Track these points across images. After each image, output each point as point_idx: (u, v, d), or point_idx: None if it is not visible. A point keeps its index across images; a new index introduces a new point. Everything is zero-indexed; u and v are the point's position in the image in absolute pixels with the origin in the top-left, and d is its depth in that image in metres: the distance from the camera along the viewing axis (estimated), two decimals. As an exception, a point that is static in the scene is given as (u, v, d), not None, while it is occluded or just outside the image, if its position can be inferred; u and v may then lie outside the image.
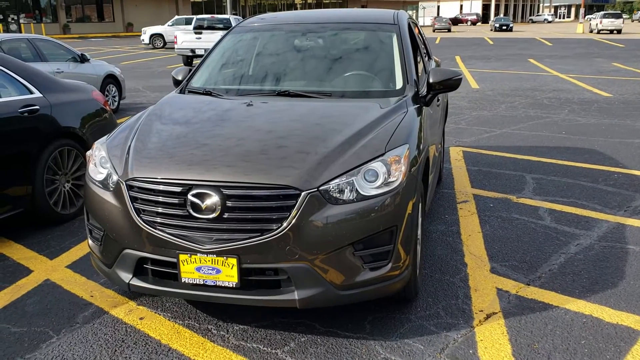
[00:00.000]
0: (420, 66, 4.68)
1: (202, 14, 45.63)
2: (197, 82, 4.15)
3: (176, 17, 33.53)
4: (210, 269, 2.81)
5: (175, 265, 2.88)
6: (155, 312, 3.35)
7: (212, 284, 2.84)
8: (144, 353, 2.95)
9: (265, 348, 2.99)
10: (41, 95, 4.72)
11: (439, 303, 3.45)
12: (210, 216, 2.76)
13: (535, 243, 4.35)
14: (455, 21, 78.81)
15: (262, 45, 4.38)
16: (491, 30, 56.91)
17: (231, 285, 2.82)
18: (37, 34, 11.35)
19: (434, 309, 3.38)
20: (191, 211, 2.78)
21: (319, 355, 2.92)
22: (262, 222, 2.76)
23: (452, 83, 3.97)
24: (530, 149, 7.44)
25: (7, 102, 4.40)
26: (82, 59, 9.91)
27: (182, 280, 2.87)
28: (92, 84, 9.92)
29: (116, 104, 10.67)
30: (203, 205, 2.76)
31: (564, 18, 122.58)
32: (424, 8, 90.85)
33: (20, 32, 38.89)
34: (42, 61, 9.05)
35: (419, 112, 3.66)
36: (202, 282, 2.85)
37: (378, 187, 2.88)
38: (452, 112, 10.35)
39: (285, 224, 2.73)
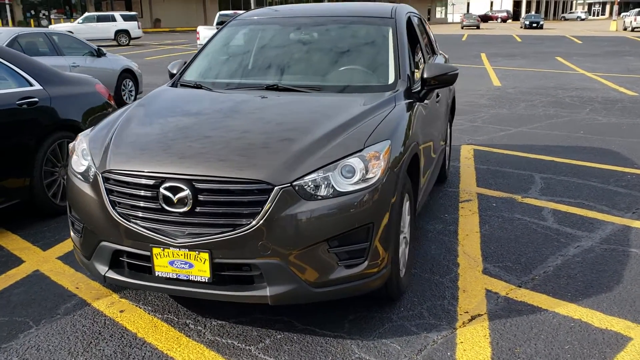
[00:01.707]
0: (420, 61, 4.59)
1: (229, 9, 45.87)
2: (189, 76, 4.13)
3: (86, 14, 33.19)
4: (183, 263, 2.79)
5: (149, 259, 2.86)
6: (136, 305, 3.35)
7: (185, 278, 2.82)
8: (118, 346, 2.94)
9: (239, 344, 2.96)
10: (41, 87, 4.76)
11: (424, 303, 3.37)
12: (182, 210, 2.74)
13: (533, 244, 4.23)
14: (485, 18, 77.81)
15: (256, 39, 4.34)
16: (521, 27, 56.04)
17: (204, 280, 2.80)
18: (56, 29, 11.48)
19: (418, 309, 3.30)
20: (163, 205, 2.76)
21: (292, 353, 2.88)
22: (234, 217, 2.72)
23: (447, 78, 3.88)
24: (543, 148, 7.26)
25: (5, 94, 4.44)
26: (99, 54, 10.03)
27: (156, 274, 2.85)
28: (108, 78, 10.07)
29: (132, 98, 10.78)
30: (175, 199, 2.73)
31: (598, 15, 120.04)
32: (453, 5, 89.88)
33: (51, 27, 39.64)
34: (59, 55, 9.19)
35: (410, 107, 3.58)
36: (175, 276, 2.83)
37: (355, 184, 2.82)
38: (469, 110, 10.19)
39: (257, 220, 2.69)
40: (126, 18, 31.62)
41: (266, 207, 2.69)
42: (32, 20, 39.62)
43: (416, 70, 4.17)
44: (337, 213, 2.76)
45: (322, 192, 2.77)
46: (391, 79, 3.77)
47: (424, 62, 4.66)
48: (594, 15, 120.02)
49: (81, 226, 3.10)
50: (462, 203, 5.18)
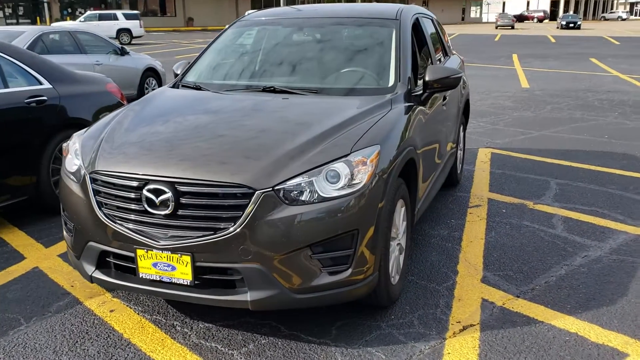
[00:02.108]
0: (427, 63, 4.51)
1: (261, 9, 46.05)
2: (190, 76, 4.13)
3: (88, 12, 32.93)
4: (166, 265, 2.78)
5: (134, 260, 2.86)
6: (127, 305, 3.36)
7: (168, 280, 2.81)
8: (102, 346, 2.96)
9: (222, 348, 2.93)
10: (50, 86, 4.83)
11: (415, 311, 3.30)
12: (165, 212, 2.73)
13: (538, 253, 4.11)
14: (521, 18, 76.51)
15: (258, 40, 4.32)
16: (557, 28, 54.88)
17: (186, 283, 2.78)
18: (80, 27, 11.66)
19: (409, 317, 3.23)
20: (146, 207, 2.76)
21: (274, 359, 2.84)
22: (216, 220, 2.70)
23: (450, 82, 3.80)
24: (564, 152, 7.08)
25: (13, 93, 4.52)
26: (122, 52, 10.15)
27: (140, 276, 2.85)
28: (131, 76, 10.20)
29: (155, 96, 10.88)
30: (157, 201, 2.72)
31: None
32: (488, 4, 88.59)
33: (87, 25, 40.46)
34: (82, 53, 9.34)
35: (408, 110, 3.51)
36: (158, 279, 2.82)
37: (340, 189, 2.76)
38: (492, 112, 10.01)
39: (238, 224, 2.66)
40: (128, 17, 31.42)
41: (247, 211, 2.66)
42: (68, 18, 40.48)
43: (421, 73, 4.09)
44: (321, 218, 2.71)
45: (306, 197, 2.72)
46: (391, 82, 3.70)
47: (432, 64, 4.57)
48: (636, 15, 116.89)
49: (72, 225, 3.12)
50: (471, 208, 5.07)
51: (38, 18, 39.17)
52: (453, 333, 3.08)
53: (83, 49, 9.41)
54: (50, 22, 39.05)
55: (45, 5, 39.03)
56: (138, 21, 31.63)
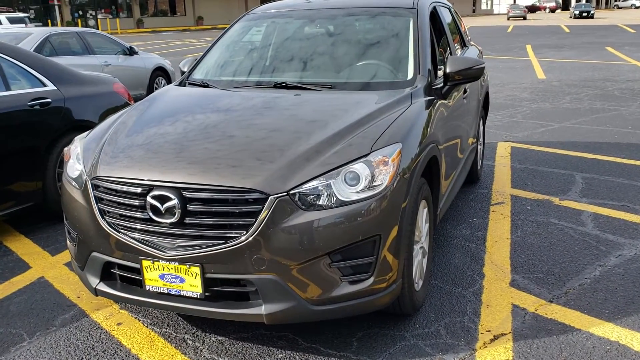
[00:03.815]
0: (446, 54, 4.28)
1: (270, 6, 45.82)
2: (197, 74, 3.94)
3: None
4: (174, 277, 2.59)
5: (139, 272, 2.67)
6: (135, 318, 3.18)
7: (176, 293, 2.62)
8: (109, 363, 2.78)
9: (237, 364, 2.74)
10: (55, 88, 4.66)
11: (442, 320, 3.08)
12: (171, 220, 2.53)
13: (569, 253, 3.87)
14: (533, 9, 75.66)
15: (268, 34, 4.11)
16: (570, 17, 54.15)
17: (195, 296, 2.59)
18: (87, 28, 11.51)
19: (435, 326, 3.02)
20: (151, 214, 2.57)
21: (292, 376, 2.65)
22: (226, 228, 2.50)
23: (472, 73, 3.58)
24: (587, 145, 6.80)
25: (15, 95, 4.35)
26: (131, 52, 10.01)
27: (147, 288, 2.67)
28: (141, 76, 10.06)
29: (165, 96, 10.74)
30: (162, 209, 2.53)
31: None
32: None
33: (97, 27, 40.53)
34: (90, 54, 9.20)
35: (429, 105, 3.29)
36: (166, 291, 2.64)
37: (360, 192, 2.55)
38: (509, 104, 9.73)
39: (250, 232, 2.46)
40: (13, 20, 28.53)
41: (260, 218, 2.46)
42: (79, 20, 40.55)
43: (440, 66, 3.87)
44: (340, 224, 2.51)
45: (324, 201, 2.52)
46: (410, 75, 3.48)
47: (451, 55, 4.33)
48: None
49: (75, 235, 2.94)
50: (494, 206, 4.84)
51: (50, 21, 39.25)
52: (483, 343, 2.86)
53: (91, 49, 9.27)
54: (62, 24, 39.09)
55: (57, 7, 39.08)
56: (24, 25, 27.40)
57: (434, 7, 4.31)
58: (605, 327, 2.97)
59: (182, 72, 4.15)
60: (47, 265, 3.90)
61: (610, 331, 2.93)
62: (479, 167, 5.46)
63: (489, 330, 2.97)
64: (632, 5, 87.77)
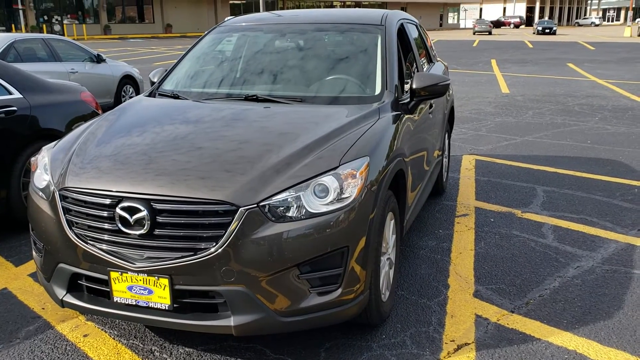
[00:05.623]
0: (412, 70, 4.38)
1: (240, 15, 45.82)
2: (168, 85, 3.95)
3: None
4: (142, 288, 2.59)
5: (107, 284, 2.67)
6: (102, 329, 3.16)
7: (145, 305, 2.62)
8: (75, 376, 2.76)
9: (204, 375, 2.75)
10: (21, 95, 4.60)
11: (407, 330, 3.14)
12: (140, 232, 2.54)
13: (530, 264, 3.99)
14: (498, 24, 77.39)
15: (239, 46, 4.15)
16: (534, 33, 55.58)
17: (164, 308, 2.60)
18: (52, 34, 11.30)
19: (401, 336, 3.08)
20: (120, 226, 2.57)
21: (260, 386, 2.67)
22: (196, 240, 2.52)
23: (438, 89, 3.67)
24: (548, 158, 7.01)
25: (-21, 104, 4.29)
26: (98, 60, 9.90)
27: (115, 300, 2.66)
28: (108, 84, 9.95)
29: (132, 104, 10.64)
30: (132, 220, 2.54)
31: (612, 21, 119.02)
32: (465, 10, 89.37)
33: (63, 33, 39.89)
34: (57, 61, 9.07)
35: (396, 119, 3.37)
36: (134, 303, 2.63)
37: (329, 204, 2.61)
38: (474, 118, 9.95)
39: (220, 243, 2.48)
40: None
41: (230, 229, 2.48)
42: (44, 26, 39.82)
43: (407, 81, 3.96)
44: (309, 236, 2.55)
45: (293, 213, 2.56)
46: (378, 90, 3.56)
47: (417, 71, 4.44)
48: (608, 21, 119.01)
49: (42, 245, 2.92)
50: (459, 218, 4.95)
51: (13, 25, 38.46)
52: (447, 353, 2.93)
53: (58, 56, 9.14)
54: (26, 30, 38.32)
55: (21, 12, 38.33)
56: None
57: (402, 24, 4.42)
58: (563, 336, 3.08)
59: (152, 83, 4.16)
60: (10, 276, 3.84)
61: (568, 340, 3.04)
62: (444, 180, 5.58)
63: (453, 340, 3.05)
64: (591, 23, 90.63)
